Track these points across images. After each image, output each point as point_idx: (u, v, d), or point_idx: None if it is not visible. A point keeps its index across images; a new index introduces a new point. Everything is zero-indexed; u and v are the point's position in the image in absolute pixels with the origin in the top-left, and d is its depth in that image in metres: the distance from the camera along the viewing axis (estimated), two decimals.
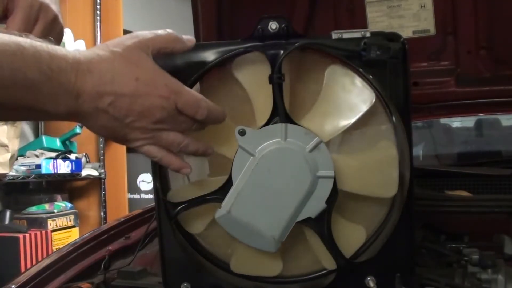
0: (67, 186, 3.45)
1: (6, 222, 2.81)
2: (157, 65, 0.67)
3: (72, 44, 3.20)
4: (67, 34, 3.11)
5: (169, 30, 0.71)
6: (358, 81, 0.79)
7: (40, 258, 2.67)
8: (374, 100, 0.78)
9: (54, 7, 0.79)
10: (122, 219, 1.32)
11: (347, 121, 0.78)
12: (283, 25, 0.79)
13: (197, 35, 1.45)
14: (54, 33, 0.79)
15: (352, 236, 0.82)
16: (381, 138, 0.80)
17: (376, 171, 0.79)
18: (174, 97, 0.67)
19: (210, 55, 0.79)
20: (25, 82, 0.57)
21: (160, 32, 0.70)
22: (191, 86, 0.78)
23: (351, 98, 0.79)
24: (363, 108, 0.78)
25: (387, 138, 0.80)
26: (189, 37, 0.74)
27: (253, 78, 0.80)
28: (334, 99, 0.79)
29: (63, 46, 3.06)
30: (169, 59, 0.78)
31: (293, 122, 0.77)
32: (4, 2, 0.76)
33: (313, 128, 0.77)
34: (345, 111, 0.79)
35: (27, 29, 0.75)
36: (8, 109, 0.59)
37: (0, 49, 0.55)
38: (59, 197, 3.25)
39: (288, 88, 0.78)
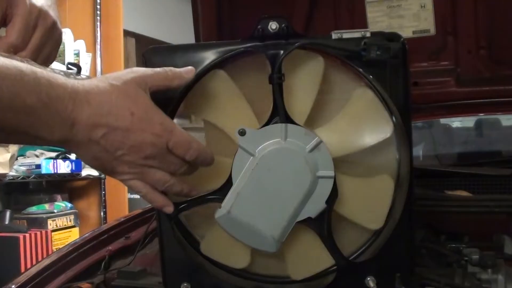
0: (67, 186, 3.45)
1: (6, 222, 2.81)
2: (153, 102, 0.68)
3: (72, 44, 3.20)
4: (67, 34, 3.11)
5: (167, 68, 0.72)
6: (383, 109, 0.79)
7: (40, 258, 2.66)
8: (390, 134, 0.78)
9: (53, 13, 0.79)
10: (122, 219, 1.32)
11: (359, 145, 0.79)
12: (283, 25, 0.79)
13: (197, 35, 1.45)
14: (52, 39, 0.79)
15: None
16: (383, 169, 0.81)
17: (369, 202, 0.80)
18: (167, 136, 0.67)
19: (210, 55, 0.79)
20: (23, 108, 0.58)
21: (159, 70, 0.71)
22: (190, 87, 0.78)
23: (371, 124, 0.79)
24: (379, 138, 0.78)
25: (389, 171, 0.80)
26: (187, 69, 0.74)
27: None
28: (356, 120, 0.80)
29: (63, 47, 3.05)
30: (169, 59, 0.78)
31: (293, 122, 0.77)
32: (3, 8, 0.76)
33: (327, 141, 0.77)
34: (362, 135, 0.79)
35: (26, 36, 0.75)
36: (2, 132, 0.59)
37: (1, 73, 0.56)
38: (59, 197, 3.25)
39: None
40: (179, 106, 0.78)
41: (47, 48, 0.78)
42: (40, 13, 0.77)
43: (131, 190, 0.72)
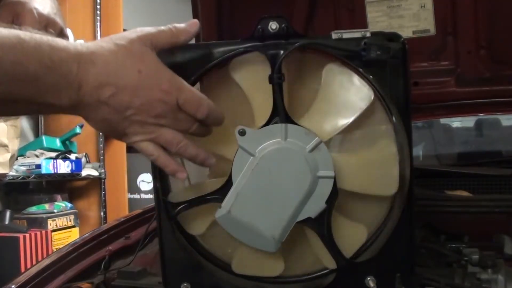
0: (67, 186, 3.45)
1: (6, 222, 2.81)
2: (160, 60, 0.67)
3: None
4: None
5: (170, 25, 0.71)
6: (356, 79, 0.79)
7: (40, 258, 2.67)
8: (372, 98, 0.77)
9: (59, 20, 0.79)
10: (122, 219, 1.32)
11: (346, 120, 0.78)
12: (283, 25, 0.79)
13: (197, 35, 1.45)
14: None
15: (353, 235, 0.81)
16: (381, 136, 0.80)
17: (376, 170, 0.79)
18: (176, 93, 0.66)
19: (210, 55, 0.79)
20: (26, 75, 0.57)
21: (163, 28, 0.70)
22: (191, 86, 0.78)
23: (349, 96, 0.79)
24: (362, 106, 0.78)
25: (387, 137, 0.80)
26: (191, 23, 0.73)
27: (251, 78, 0.80)
28: (333, 98, 0.79)
29: None
30: (169, 57, 0.78)
31: (293, 122, 0.77)
32: (9, 19, 0.76)
33: (313, 127, 0.77)
34: (344, 110, 0.78)
35: None
36: (9, 103, 0.59)
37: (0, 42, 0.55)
38: (59, 197, 3.25)
39: (287, 88, 0.78)
40: None
41: None
42: (48, 21, 0.77)
43: (143, 153, 0.69)
